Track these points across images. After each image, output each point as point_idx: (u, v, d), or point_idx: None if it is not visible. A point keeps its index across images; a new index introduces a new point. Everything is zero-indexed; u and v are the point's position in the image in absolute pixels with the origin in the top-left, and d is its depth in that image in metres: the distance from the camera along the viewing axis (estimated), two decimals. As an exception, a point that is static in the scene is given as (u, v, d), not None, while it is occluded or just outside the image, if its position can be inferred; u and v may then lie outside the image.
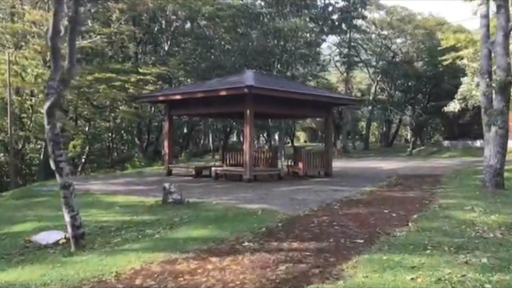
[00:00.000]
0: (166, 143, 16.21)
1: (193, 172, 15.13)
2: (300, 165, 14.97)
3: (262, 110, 14.14)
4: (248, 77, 13.76)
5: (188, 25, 31.52)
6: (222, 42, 27.42)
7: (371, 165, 22.31)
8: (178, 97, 14.47)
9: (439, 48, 24.80)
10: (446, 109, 19.19)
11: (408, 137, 69.10)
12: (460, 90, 18.43)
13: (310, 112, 16.03)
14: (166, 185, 9.24)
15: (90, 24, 26.75)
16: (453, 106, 18.33)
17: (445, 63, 24.44)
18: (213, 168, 14.64)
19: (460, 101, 18.27)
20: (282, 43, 28.22)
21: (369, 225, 7.21)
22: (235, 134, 44.44)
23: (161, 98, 15.30)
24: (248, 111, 13.28)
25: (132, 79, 23.58)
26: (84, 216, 8.30)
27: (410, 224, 7.29)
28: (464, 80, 18.54)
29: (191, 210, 8.48)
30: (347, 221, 7.48)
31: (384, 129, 53.13)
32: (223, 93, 13.14)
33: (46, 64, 22.25)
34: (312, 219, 7.64)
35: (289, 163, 16.27)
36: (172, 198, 9.12)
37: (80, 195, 10.97)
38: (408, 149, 34.13)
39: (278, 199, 10.00)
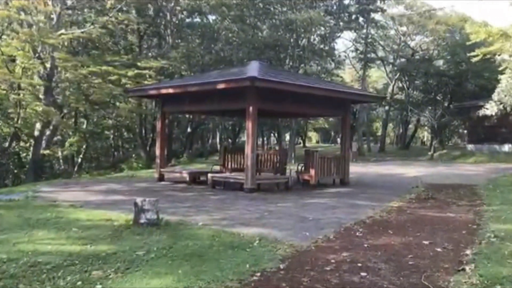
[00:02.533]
0: (158, 144, 14.17)
1: (187, 178, 13.05)
2: (312, 172, 12.83)
3: (268, 107, 12.01)
4: (252, 68, 11.65)
5: (194, 18, 29.60)
6: (230, 35, 25.27)
7: (391, 171, 20.08)
8: (170, 90, 12.36)
9: (468, 43, 22.37)
10: (481, 112, 16.81)
11: (425, 139, 66.63)
12: (497, 90, 16.10)
13: (325, 110, 13.78)
14: (139, 200, 7.16)
15: (87, 14, 24.98)
16: (490, 109, 15.97)
17: (474, 59, 22.03)
18: (209, 175, 12.51)
19: (498, 102, 15.89)
20: (294, 36, 26.03)
21: (408, 269, 5.07)
22: (245, 133, 42.31)
23: (151, 92, 13.19)
24: (250, 108, 11.18)
25: (130, 73, 21.63)
26: (25, 243, 6.28)
27: (466, 268, 5.13)
28: (502, 78, 16.19)
29: (166, 237, 6.40)
30: (377, 261, 5.34)
31: (401, 130, 50.65)
32: (221, 86, 11.04)
33: (36, 55, 20.40)
34: (328, 257, 5.51)
35: (299, 169, 14.13)
36: (145, 218, 7.05)
37: (42, 208, 8.98)
38: (429, 153, 31.70)
39: (284, 219, 7.89)
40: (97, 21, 21.76)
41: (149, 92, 13.24)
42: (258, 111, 11.41)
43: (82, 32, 21.28)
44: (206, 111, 15.50)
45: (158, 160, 13.96)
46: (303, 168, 13.96)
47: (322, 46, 27.47)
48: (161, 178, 13.83)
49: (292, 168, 16.35)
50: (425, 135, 67.32)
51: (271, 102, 11.80)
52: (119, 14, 23.13)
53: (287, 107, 12.50)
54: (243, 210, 8.82)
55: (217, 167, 15.20)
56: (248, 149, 11.33)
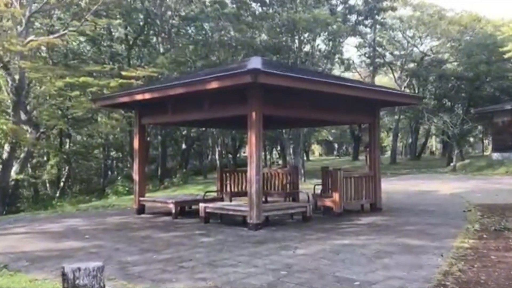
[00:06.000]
0: (136, 166, 11.18)
1: (173, 210, 10.02)
2: (336, 196, 9.84)
3: (277, 112, 9.03)
4: (254, 63, 8.69)
5: (187, 26, 26.94)
6: (225, 38, 22.43)
7: (420, 188, 17.08)
8: (147, 96, 9.40)
9: (499, 36, 19.63)
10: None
11: (434, 148, 63.53)
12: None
13: (350, 115, 10.51)
14: (68, 269, 4.14)
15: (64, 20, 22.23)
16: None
17: (507, 55, 19.25)
18: (201, 205, 9.45)
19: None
20: (297, 38, 23.24)
21: None
22: (246, 148, 39.15)
23: (123, 99, 10.15)
24: (253, 114, 8.23)
25: (113, 84, 18.81)
26: None
27: None
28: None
29: None
30: None
31: (411, 140, 47.69)
32: (214, 85, 8.10)
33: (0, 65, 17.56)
34: None
35: (318, 192, 11.13)
36: (79, 301, 4.05)
37: None
38: (451, 164, 28.65)
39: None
40: (71, 25, 18.91)
41: (120, 100, 10.22)
42: (264, 119, 8.46)
43: (55, 37, 18.40)
44: (195, 121, 12.37)
45: (136, 187, 10.93)
46: (321, 191, 10.98)
47: (328, 47, 24.67)
48: (141, 209, 10.81)
49: (305, 188, 13.40)
50: (433, 144, 64.31)
51: (280, 106, 8.84)
52: (100, 19, 20.45)
53: (301, 112, 9.45)
54: (247, 266, 5.78)
55: (213, 193, 12.21)
56: (251, 171, 8.31)
